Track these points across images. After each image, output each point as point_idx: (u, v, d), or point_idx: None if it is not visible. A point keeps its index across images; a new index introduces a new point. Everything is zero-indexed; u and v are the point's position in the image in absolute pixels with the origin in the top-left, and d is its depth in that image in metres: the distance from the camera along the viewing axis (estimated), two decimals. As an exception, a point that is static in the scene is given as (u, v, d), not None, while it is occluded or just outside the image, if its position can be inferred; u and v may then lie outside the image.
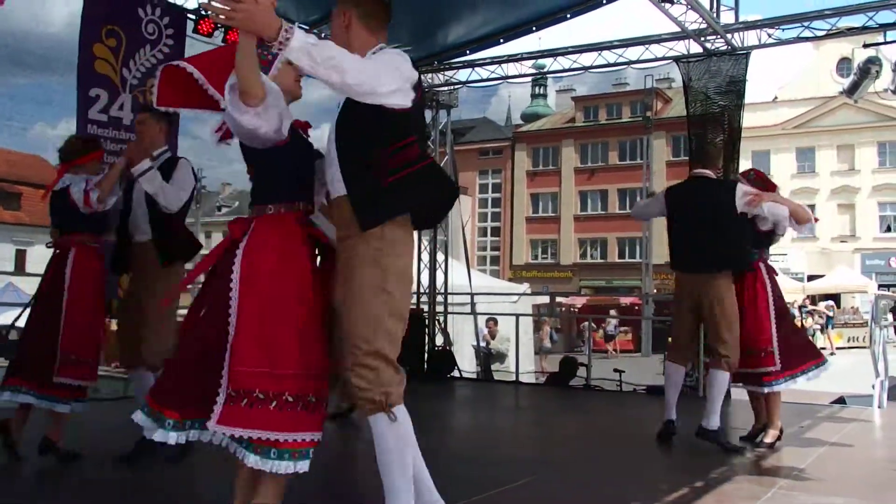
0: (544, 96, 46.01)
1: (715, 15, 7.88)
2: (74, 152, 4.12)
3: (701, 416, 4.88)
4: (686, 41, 8.43)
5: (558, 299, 32.21)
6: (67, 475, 3.90)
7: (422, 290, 10.43)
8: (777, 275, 5.22)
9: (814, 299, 27.68)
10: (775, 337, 4.87)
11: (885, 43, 7.77)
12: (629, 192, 38.20)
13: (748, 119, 9.05)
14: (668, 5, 7.46)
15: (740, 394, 8.08)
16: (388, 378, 2.55)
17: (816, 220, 5.05)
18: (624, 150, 39.28)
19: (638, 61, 9.10)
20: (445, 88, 10.21)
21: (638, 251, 35.73)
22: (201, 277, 2.87)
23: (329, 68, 2.28)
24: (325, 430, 2.69)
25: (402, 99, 2.51)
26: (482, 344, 12.15)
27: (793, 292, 27.37)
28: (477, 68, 9.90)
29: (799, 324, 22.85)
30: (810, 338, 22.22)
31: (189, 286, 3.80)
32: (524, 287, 17.07)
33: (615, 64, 9.19)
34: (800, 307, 24.23)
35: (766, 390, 4.97)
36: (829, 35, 8.18)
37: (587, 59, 9.26)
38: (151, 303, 4.02)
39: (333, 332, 2.69)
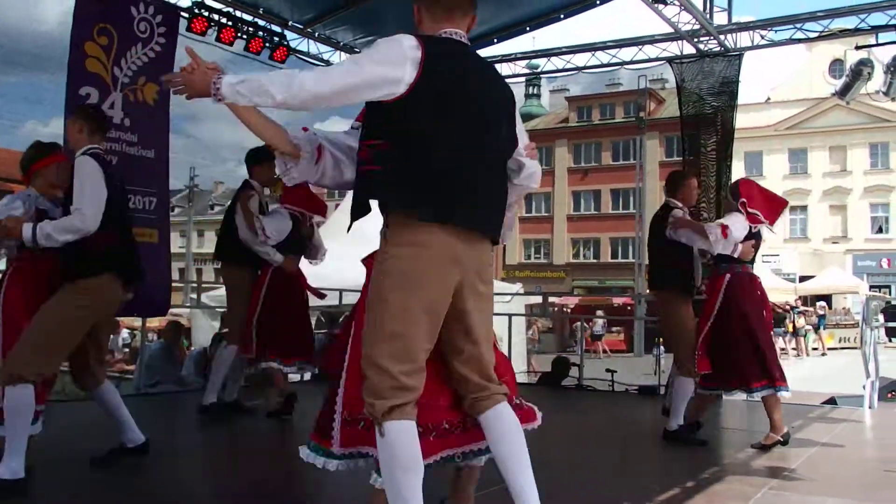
0: (538, 96, 46.04)
1: (708, 16, 7.90)
2: (28, 160, 3.96)
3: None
4: (679, 42, 8.45)
5: (551, 299, 32.22)
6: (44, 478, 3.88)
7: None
8: (756, 283, 5.21)
9: (806, 300, 27.78)
10: (704, 343, 5.07)
11: (877, 45, 7.81)
12: (622, 192, 38.29)
13: (741, 120, 9.07)
14: (661, 6, 7.48)
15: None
16: (376, 388, 2.32)
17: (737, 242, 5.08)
18: (617, 150, 39.35)
19: (631, 62, 9.11)
20: (439, 88, 10.19)
21: (631, 251, 35.83)
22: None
23: (259, 95, 2.27)
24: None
25: (374, 92, 2.32)
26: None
27: (784, 293, 27.48)
28: (470, 68, 9.87)
29: (791, 326, 22.96)
30: (789, 349, 22.38)
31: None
32: (517, 287, 17.04)
33: (609, 64, 9.21)
34: (791, 308, 24.32)
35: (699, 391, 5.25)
36: (822, 37, 8.20)
37: (581, 59, 9.27)
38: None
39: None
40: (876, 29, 7.66)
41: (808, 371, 17.84)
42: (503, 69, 9.69)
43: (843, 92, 8.43)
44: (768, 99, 38.59)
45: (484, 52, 9.70)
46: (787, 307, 24.42)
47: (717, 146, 8.13)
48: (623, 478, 4.29)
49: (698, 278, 5.35)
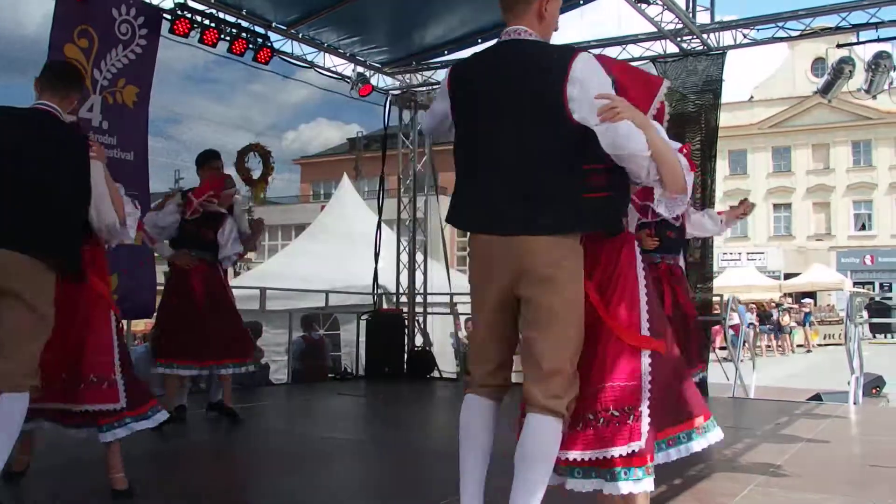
0: (523, 96, 46.03)
1: (691, 15, 7.93)
2: None
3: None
4: (662, 41, 8.48)
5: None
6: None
7: (401, 291, 10.43)
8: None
9: (791, 297, 27.97)
10: None
11: (858, 43, 7.85)
12: (607, 191, 38.33)
13: (724, 119, 9.12)
14: (644, 6, 7.50)
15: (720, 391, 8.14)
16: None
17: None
18: (602, 149, 39.39)
19: (615, 61, 9.12)
20: (423, 89, 10.20)
21: (617, 250, 35.83)
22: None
23: None
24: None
25: (444, 122, 2.83)
26: (460, 343, 12.16)
27: (769, 290, 27.67)
28: (455, 68, 9.88)
29: (776, 321, 23.08)
30: (774, 346, 22.46)
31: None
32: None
33: (593, 64, 9.20)
34: (776, 305, 24.46)
35: None
36: (804, 35, 8.26)
37: (565, 59, 9.26)
38: None
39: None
40: (857, 27, 7.71)
41: (792, 367, 17.95)
42: (488, 69, 9.69)
43: (825, 90, 8.47)
44: (751, 97, 38.81)
45: (468, 53, 9.70)
46: (773, 304, 24.58)
47: (701, 145, 8.16)
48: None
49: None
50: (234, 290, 6.13)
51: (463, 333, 12.39)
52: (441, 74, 10.08)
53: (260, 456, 4.81)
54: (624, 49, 8.89)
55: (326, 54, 9.20)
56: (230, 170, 8.62)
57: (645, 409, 2.44)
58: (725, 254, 35.38)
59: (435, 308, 11.12)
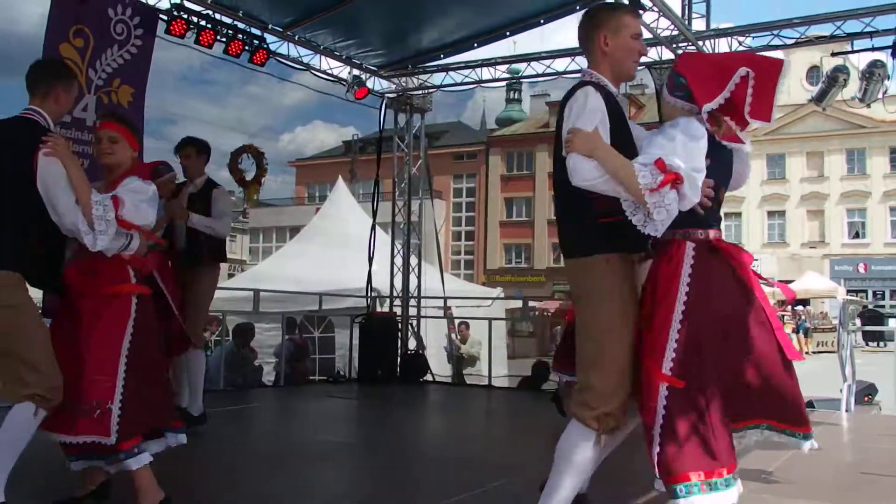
0: (519, 101, 46.16)
1: (686, 22, 7.96)
2: None
3: None
4: (658, 48, 8.49)
5: (531, 303, 32.24)
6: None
7: (395, 294, 10.42)
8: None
9: (788, 305, 28.00)
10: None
11: (853, 52, 7.89)
12: (603, 197, 38.39)
13: (719, 125, 9.11)
14: (640, 12, 7.51)
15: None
16: None
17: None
18: (598, 155, 39.49)
19: (611, 67, 9.13)
20: (419, 92, 10.21)
21: (611, 256, 35.89)
22: None
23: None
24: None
25: None
26: (453, 347, 12.16)
27: (763, 297, 27.62)
28: (451, 72, 9.90)
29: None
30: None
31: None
32: (497, 291, 17.07)
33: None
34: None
35: None
36: (799, 43, 8.29)
37: (561, 64, 9.29)
38: None
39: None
40: (851, 36, 7.75)
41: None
42: (483, 73, 9.71)
43: (819, 98, 8.49)
44: (746, 105, 38.86)
45: (464, 57, 9.73)
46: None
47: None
48: (600, 480, 4.28)
49: None
50: (227, 292, 6.11)
51: (456, 337, 12.40)
52: (437, 78, 10.09)
53: (248, 458, 4.79)
54: (620, 55, 8.90)
55: (322, 57, 9.20)
56: (223, 171, 8.63)
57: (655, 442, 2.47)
58: (719, 260, 35.38)
59: (429, 311, 11.12)
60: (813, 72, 33.99)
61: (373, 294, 10.20)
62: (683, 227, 2.57)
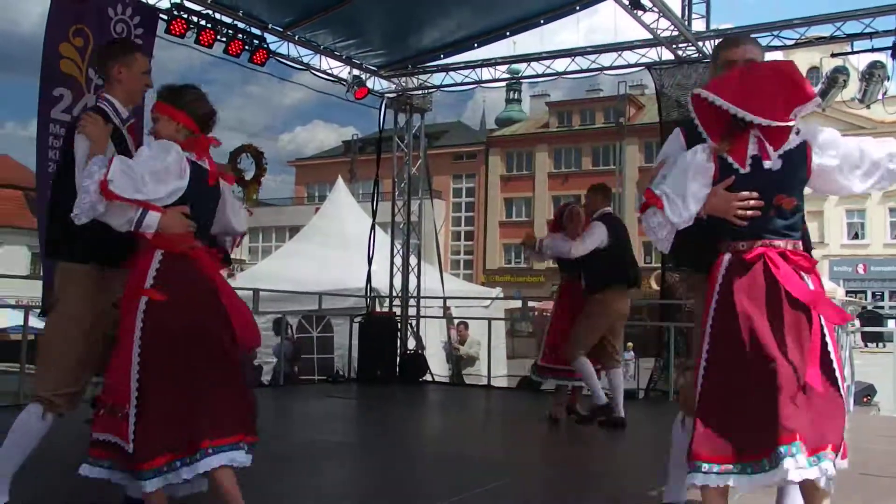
0: (518, 101, 46.18)
1: (686, 23, 7.96)
2: None
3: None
4: (658, 48, 8.51)
5: (531, 303, 32.25)
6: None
7: (394, 294, 10.43)
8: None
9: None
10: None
11: (853, 52, 7.90)
12: (602, 197, 38.42)
13: (719, 126, 9.12)
14: (640, 13, 7.52)
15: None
16: None
17: None
18: (597, 155, 39.54)
19: (611, 67, 9.15)
20: (419, 92, 10.22)
21: (610, 256, 35.92)
22: None
23: None
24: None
25: None
26: (452, 347, 12.16)
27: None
28: (451, 72, 9.91)
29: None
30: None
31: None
32: (496, 291, 17.08)
33: (588, 70, 9.24)
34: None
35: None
36: (798, 44, 8.29)
37: (561, 64, 9.30)
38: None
39: None
40: (851, 37, 7.76)
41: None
42: (483, 74, 9.73)
43: (819, 99, 8.51)
44: (746, 105, 38.92)
45: (464, 57, 9.74)
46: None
47: (695, 152, 8.19)
48: (596, 481, 4.30)
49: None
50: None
51: (455, 337, 12.41)
52: (437, 78, 10.10)
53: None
54: (619, 56, 8.92)
55: (322, 57, 9.20)
56: (224, 171, 8.61)
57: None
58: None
59: (428, 311, 11.12)
60: (813, 72, 33.64)
61: (372, 294, 10.21)
62: (728, 240, 2.65)
